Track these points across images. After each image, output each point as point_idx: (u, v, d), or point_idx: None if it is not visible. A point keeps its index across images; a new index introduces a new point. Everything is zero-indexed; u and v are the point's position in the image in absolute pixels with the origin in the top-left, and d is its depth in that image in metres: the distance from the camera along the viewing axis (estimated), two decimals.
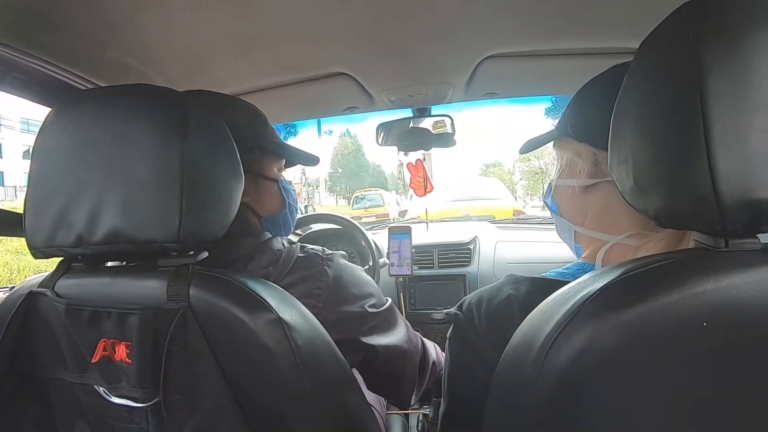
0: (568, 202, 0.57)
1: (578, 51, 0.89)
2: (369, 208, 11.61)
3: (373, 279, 0.79)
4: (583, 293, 0.34)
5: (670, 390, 0.30)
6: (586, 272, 0.41)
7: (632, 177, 0.38)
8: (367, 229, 1.47)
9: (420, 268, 1.44)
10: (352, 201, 13.18)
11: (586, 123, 0.51)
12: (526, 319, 0.38)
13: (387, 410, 1.07)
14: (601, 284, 0.33)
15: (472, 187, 6.61)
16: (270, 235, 0.66)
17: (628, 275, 0.33)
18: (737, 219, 0.31)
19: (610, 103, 0.41)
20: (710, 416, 0.30)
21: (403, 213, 6.08)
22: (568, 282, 0.38)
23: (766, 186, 0.30)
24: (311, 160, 0.78)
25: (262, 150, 0.68)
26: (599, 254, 0.49)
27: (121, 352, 0.46)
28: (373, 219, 8.61)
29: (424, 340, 0.81)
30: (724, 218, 0.31)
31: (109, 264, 0.58)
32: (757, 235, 0.33)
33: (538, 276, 0.48)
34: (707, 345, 0.30)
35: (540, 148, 0.66)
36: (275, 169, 0.72)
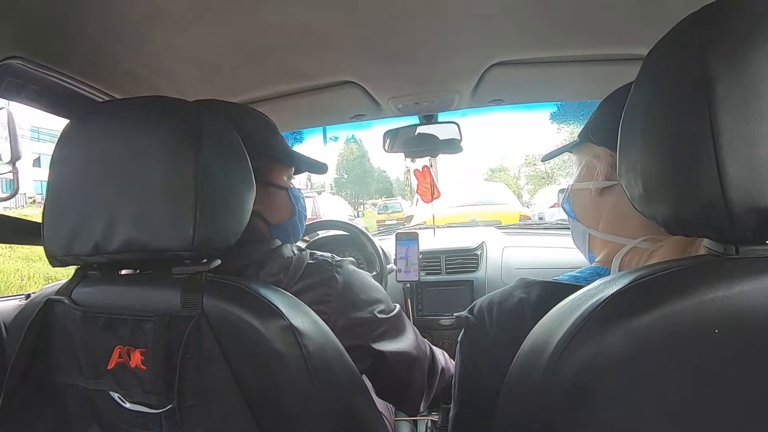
0: (584, 205, 0.57)
1: (585, 58, 0.89)
2: (391, 213, 14.78)
3: (381, 285, 0.79)
4: (594, 300, 0.34)
5: (680, 397, 0.30)
6: (599, 276, 0.41)
7: (641, 184, 0.38)
8: (374, 234, 1.46)
9: (427, 274, 1.44)
10: (378, 207, 17.44)
11: (603, 126, 0.52)
12: (538, 324, 0.39)
13: (395, 417, 1.07)
14: (612, 291, 0.33)
15: (478, 192, 6.60)
16: (280, 243, 0.67)
17: (639, 282, 0.33)
18: (747, 225, 0.31)
19: None
20: (720, 422, 0.30)
21: (409, 218, 6.07)
22: (580, 286, 0.38)
23: None
24: (320, 168, 0.79)
25: (270, 158, 0.69)
26: (616, 258, 0.49)
27: (136, 358, 0.47)
28: (394, 222, 10.86)
29: (433, 347, 0.81)
30: (734, 225, 0.31)
31: (123, 272, 0.59)
32: None
33: (550, 280, 0.49)
34: (718, 352, 0.30)
35: None
36: (284, 177, 0.72)
